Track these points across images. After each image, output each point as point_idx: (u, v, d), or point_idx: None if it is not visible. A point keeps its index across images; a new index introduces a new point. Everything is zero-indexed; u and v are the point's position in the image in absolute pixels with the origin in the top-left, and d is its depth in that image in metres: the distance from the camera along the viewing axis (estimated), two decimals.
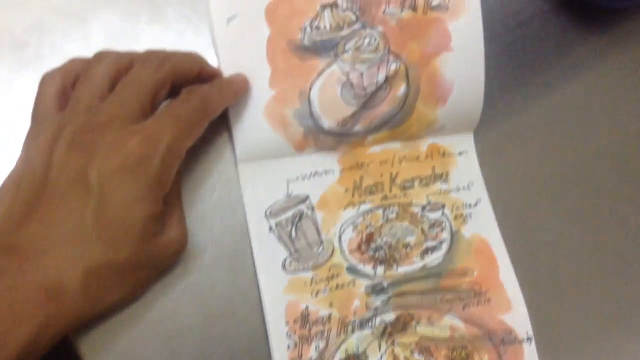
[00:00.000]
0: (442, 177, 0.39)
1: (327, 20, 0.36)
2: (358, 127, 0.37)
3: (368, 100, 0.37)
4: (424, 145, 0.40)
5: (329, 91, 0.36)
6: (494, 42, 0.42)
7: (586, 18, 0.44)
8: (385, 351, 0.35)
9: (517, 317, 0.37)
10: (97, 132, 0.29)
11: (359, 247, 0.37)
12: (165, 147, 0.29)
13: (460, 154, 0.40)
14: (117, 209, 0.29)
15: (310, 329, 0.34)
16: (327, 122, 0.37)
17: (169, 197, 0.32)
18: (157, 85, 0.31)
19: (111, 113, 0.30)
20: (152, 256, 0.31)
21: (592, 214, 0.41)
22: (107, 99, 0.30)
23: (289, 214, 0.36)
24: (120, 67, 0.31)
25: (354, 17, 0.36)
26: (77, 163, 0.29)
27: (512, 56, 0.43)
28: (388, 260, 0.37)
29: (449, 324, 0.36)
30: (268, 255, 0.35)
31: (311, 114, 0.36)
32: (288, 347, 0.34)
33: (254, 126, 0.36)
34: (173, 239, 0.32)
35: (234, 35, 0.36)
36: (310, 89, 0.36)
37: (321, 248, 0.36)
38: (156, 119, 0.30)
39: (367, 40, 0.36)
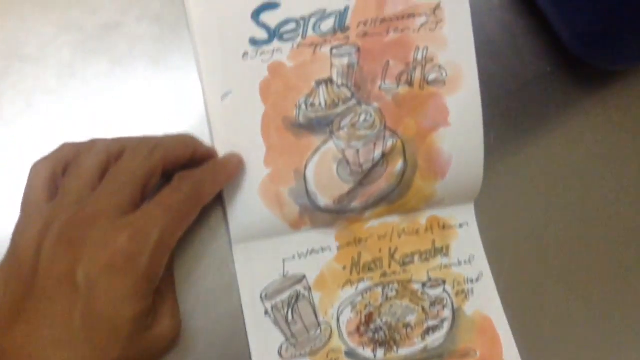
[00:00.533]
0: (443, 251, 0.38)
1: (322, 97, 0.35)
2: (355, 204, 0.37)
3: (365, 177, 0.36)
4: (423, 218, 0.39)
5: (324, 169, 0.36)
6: (494, 106, 0.42)
7: (588, 80, 0.43)
8: None
9: None
10: (85, 226, 0.28)
11: (358, 328, 0.36)
12: (155, 242, 0.28)
13: (460, 226, 0.39)
14: (106, 309, 0.28)
15: None
16: (324, 200, 0.36)
17: (161, 286, 0.31)
18: (147, 174, 0.30)
19: (100, 206, 0.29)
20: (144, 350, 0.30)
21: (599, 285, 0.40)
22: (96, 190, 0.30)
23: (285, 295, 0.35)
24: (110, 156, 0.31)
25: (349, 94, 0.36)
26: (64, 261, 0.28)
27: (513, 120, 0.42)
28: (388, 342, 0.36)
29: None
30: (264, 341, 0.34)
31: (307, 192, 0.35)
32: None
33: (248, 206, 0.35)
34: (166, 331, 0.31)
35: (229, 112, 0.35)
36: (305, 167, 0.35)
37: (319, 331, 0.35)
38: (146, 211, 0.29)
39: (363, 117, 0.36)
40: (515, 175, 0.41)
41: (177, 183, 0.31)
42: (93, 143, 0.32)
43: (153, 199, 0.30)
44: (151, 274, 0.29)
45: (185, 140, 0.33)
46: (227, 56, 0.35)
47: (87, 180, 0.30)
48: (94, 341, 0.27)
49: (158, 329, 0.31)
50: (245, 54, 0.35)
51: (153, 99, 0.36)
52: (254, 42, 0.35)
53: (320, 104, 0.35)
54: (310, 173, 0.36)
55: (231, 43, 0.35)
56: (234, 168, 0.34)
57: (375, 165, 0.36)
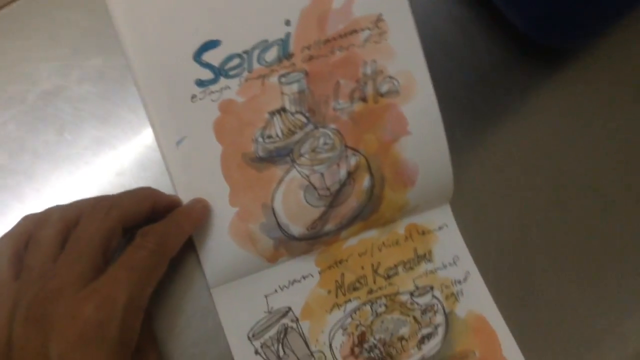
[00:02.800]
0: (426, 257, 0.38)
1: (278, 127, 0.35)
2: (329, 227, 0.36)
3: (334, 199, 0.36)
4: (401, 227, 0.38)
5: (292, 198, 0.35)
6: (455, 102, 0.41)
7: (544, 62, 0.43)
8: None
9: None
10: (51, 301, 0.28)
11: (352, 351, 0.35)
12: (123, 307, 0.28)
13: (440, 228, 0.39)
14: None
15: None
16: (297, 229, 0.35)
17: (142, 344, 0.30)
18: (106, 237, 0.30)
19: (62, 278, 0.29)
20: None
21: (587, 263, 0.39)
22: (58, 261, 0.29)
23: (273, 331, 0.35)
24: (68, 223, 0.30)
25: (304, 119, 0.35)
26: (36, 339, 0.27)
27: (476, 113, 0.42)
28: (385, 359, 0.35)
29: None
30: None
31: (278, 225, 0.35)
32: None
33: (221, 248, 0.35)
34: None
35: (186, 157, 0.35)
36: (272, 200, 0.35)
37: None
38: (110, 275, 0.29)
39: (322, 140, 0.35)
40: (487, 166, 0.41)
41: (139, 240, 0.31)
42: (49, 213, 0.31)
43: (116, 262, 0.30)
44: (125, 339, 0.28)
45: (143, 194, 0.33)
46: (175, 102, 0.34)
47: (47, 252, 0.30)
48: None
49: None
50: (193, 97, 0.34)
51: (107, 158, 0.35)
52: (200, 83, 0.34)
53: (277, 134, 0.35)
54: (278, 205, 0.35)
55: (177, 88, 0.34)
56: (198, 214, 0.34)
57: (342, 186, 0.36)
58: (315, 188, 0.36)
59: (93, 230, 0.30)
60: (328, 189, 0.36)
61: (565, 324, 0.38)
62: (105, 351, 0.27)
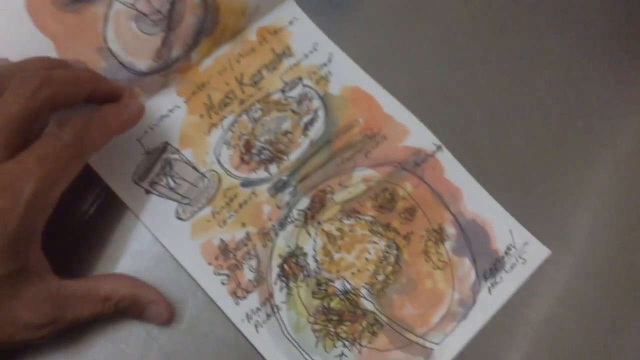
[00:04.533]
0: (285, 53, 0.38)
1: None
2: (176, 52, 0.35)
3: (170, 21, 0.34)
4: (251, 34, 0.38)
5: (125, 32, 0.34)
6: None
7: None
8: (316, 234, 0.34)
9: (418, 136, 0.36)
10: None
11: (242, 159, 0.35)
12: (27, 200, 0.26)
13: (291, 23, 0.38)
14: None
15: (235, 256, 0.33)
16: (143, 64, 0.34)
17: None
18: (29, 117, 0.27)
19: None
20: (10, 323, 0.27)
21: None
22: None
23: (157, 168, 0.34)
24: None
25: None
26: None
27: None
28: (276, 155, 0.35)
29: (360, 178, 0.35)
30: (158, 216, 0.33)
31: (122, 64, 0.34)
32: (222, 283, 0.32)
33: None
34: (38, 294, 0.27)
35: None
36: (105, 40, 0.33)
37: (206, 181, 0.34)
38: (18, 162, 0.26)
39: None
40: None
41: (55, 130, 0.28)
42: None
43: (28, 149, 0.27)
44: (24, 235, 0.26)
45: (82, 77, 0.30)
46: None
47: None
48: None
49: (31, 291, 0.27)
50: None
51: None
52: None
53: None
54: (113, 44, 0.34)
55: None
56: (130, 115, 0.31)
57: (173, 4, 0.34)
58: (145, 15, 0.34)
59: (15, 108, 0.26)
60: (159, 11, 0.34)
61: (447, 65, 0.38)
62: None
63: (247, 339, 0.31)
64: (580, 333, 0.34)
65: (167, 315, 0.31)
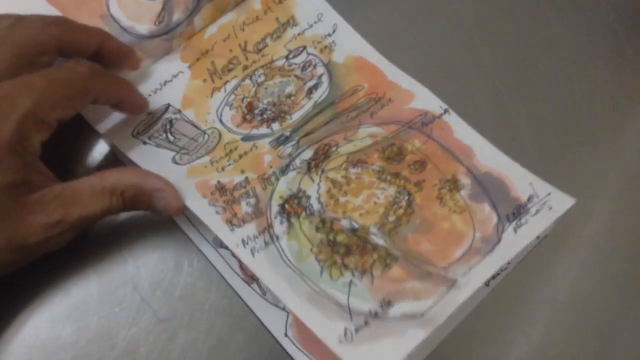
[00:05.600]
0: (290, 22, 0.38)
1: None
2: (178, 16, 0.35)
3: None
4: (256, 3, 0.38)
5: None
6: None
7: None
8: (320, 179, 0.32)
9: (424, 100, 0.35)
10: None
11: (244, 118, 0.34)
12: (23, 113, 0.26)
13: None
14: None
15: (232, 194, 0.31)
16: (145, 27, 0.34)
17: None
18: (35, 47, 0.27)
19: None
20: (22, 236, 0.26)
21: None
22: None
23: (158, 126, 0.33)
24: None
25: None
26: None
27: None
28: (279, 115, 0.35)
29: (366, 133, 0.34)
30: (154, 160, 0.32)
31: (124, 29, 0.34)
32: (217, 212, 0.30)
33: None
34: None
35: None
36: (108, 7, 0.34)
37: (206, 136, 0.33)
38: (23, 79, 0.26)
39: None
40: None
41: (72, 64, 0.28)
42: None
43: (39, 71, 0.27)
44: (20, 146, 0.26)
45: (93, 29, 0.31)
46: None
47: None
48: None
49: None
50: None
51: None
52: None
53: None
54: (115, 10, 0.34)
55: None
56: (140, 99, 0.33)
57: None
58: None
59: (23, 36, 0.27)
60: None
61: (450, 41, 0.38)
62: None
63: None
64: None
65: (176, 204, 0.29)
